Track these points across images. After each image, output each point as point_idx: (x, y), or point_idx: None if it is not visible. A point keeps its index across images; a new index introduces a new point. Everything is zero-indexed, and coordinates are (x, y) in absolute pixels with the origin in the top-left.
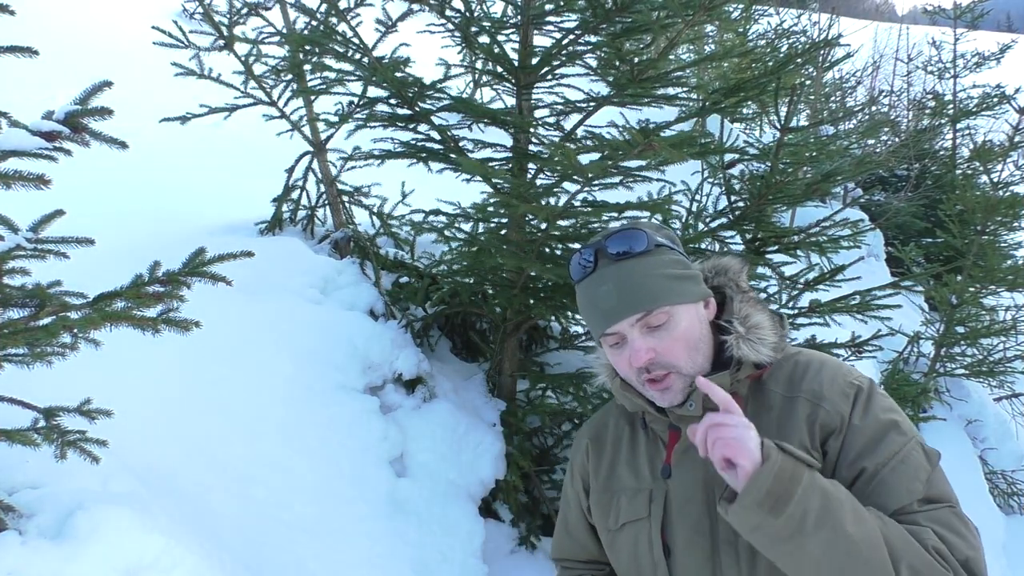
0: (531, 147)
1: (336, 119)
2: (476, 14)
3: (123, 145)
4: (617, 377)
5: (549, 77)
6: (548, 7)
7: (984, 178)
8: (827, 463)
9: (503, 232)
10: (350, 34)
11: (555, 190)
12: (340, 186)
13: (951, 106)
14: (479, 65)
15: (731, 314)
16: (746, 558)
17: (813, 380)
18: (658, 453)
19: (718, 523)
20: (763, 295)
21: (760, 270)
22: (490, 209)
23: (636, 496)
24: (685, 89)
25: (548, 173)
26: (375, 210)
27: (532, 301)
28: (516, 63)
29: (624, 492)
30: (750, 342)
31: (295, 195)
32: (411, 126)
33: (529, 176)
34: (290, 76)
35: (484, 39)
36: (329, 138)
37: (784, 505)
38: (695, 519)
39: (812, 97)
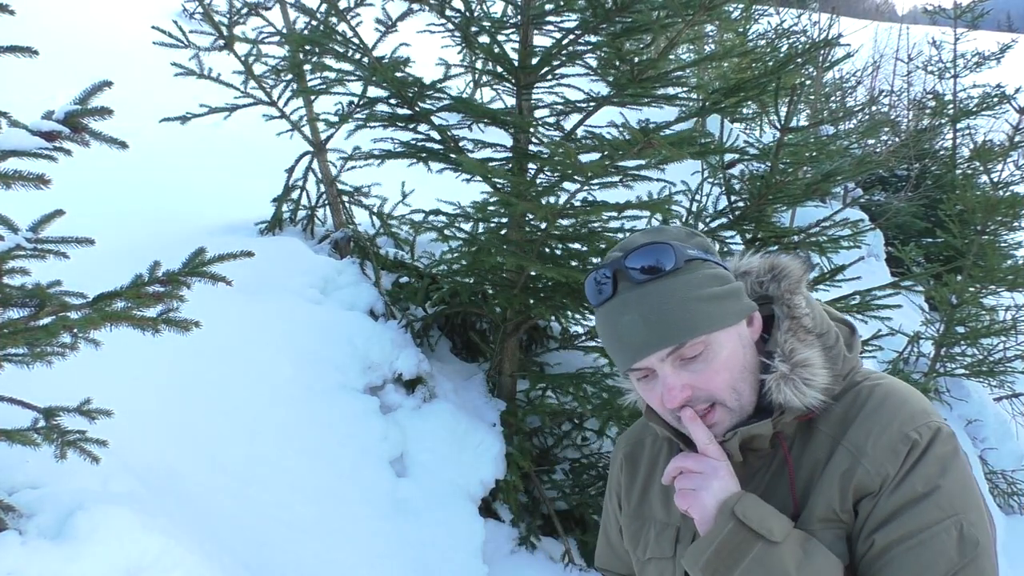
0: (531, 147)
1: (336, 119)
2: (476, 14)
3: (123, 145)
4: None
5: (549, 77)
6: (548, 7)
7: (984, 178)
8: (857, 525)
9: (503, 232)
10: (350, 34)
11: (555, 190)
12: (340, 186)
13: (951, 106)
14: (479, 65)
15: (774, 345)
16: None
17: (862, 425)
18: None
19: None
20: None
21: None
22: (490, 209)
23: (664, 532)
24: (685, 89)
25: (548, 173)
26: (375, 210)
27: (532, 301)
28: (516, 63)
29: (653, 524)
30: (793, 383)
31: (295, 195)
32: (411, 126)
33: (529, 176)
34: (290, 76)
35: (484, 39)
36: (329, 138)
37: None
38: None
39: (812, 97)
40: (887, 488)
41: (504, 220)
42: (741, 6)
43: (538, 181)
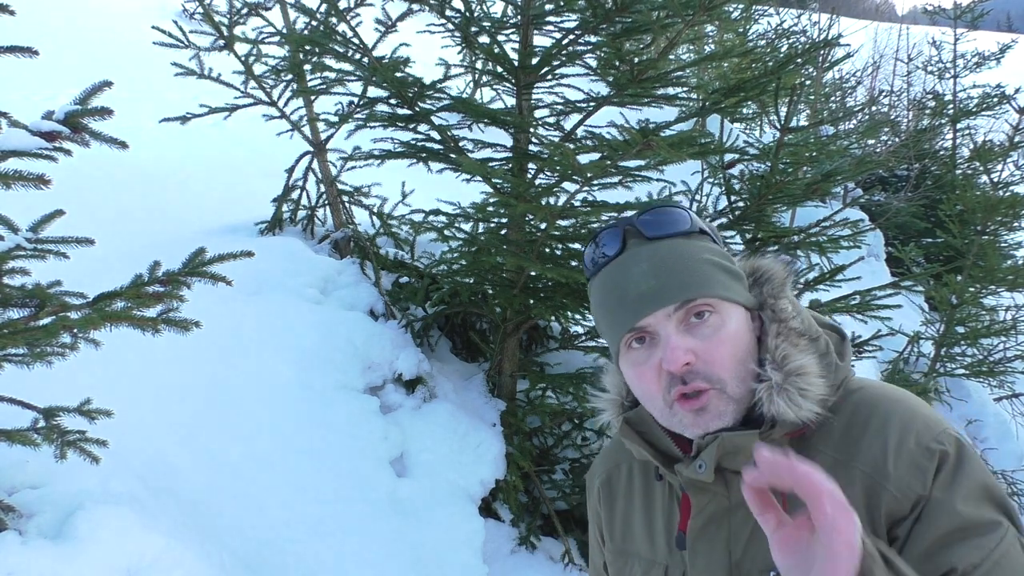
0: (531, 147)
1: (336, 119)
2: (476, 14)
3: (123, 145)
4: (621, 416)
5: (549, 77)
6: (548, 7)
7: (984, 178)
8: (895, 548)
9: (503, 232)
10: (350, 34)
11: (555, 190)
12: (340, 186)
13: (951, 106)
14: (479, 65)
15: (764, 351)
16: None
17: (875, 441)
18: (674, 515)
19: None
20: None
21: None
22: (490, 209)
23: (651, 569)
24: (685, 89)
25: (548, 173)
26: (375, 210)
27: (532, 301)
28: (516, 63)
29: (638, 560)
30: (787, 393)
31: (295, 195)
32: (411, 126)
33: (529, 176)
34: (290, 76)
35: (484, 39)
36: (329, 138)
37: None
38: None
39: (812, 97)
40: (926, 507)
41: (504, 220)
42: (741, 6)
43: (538, 181)
